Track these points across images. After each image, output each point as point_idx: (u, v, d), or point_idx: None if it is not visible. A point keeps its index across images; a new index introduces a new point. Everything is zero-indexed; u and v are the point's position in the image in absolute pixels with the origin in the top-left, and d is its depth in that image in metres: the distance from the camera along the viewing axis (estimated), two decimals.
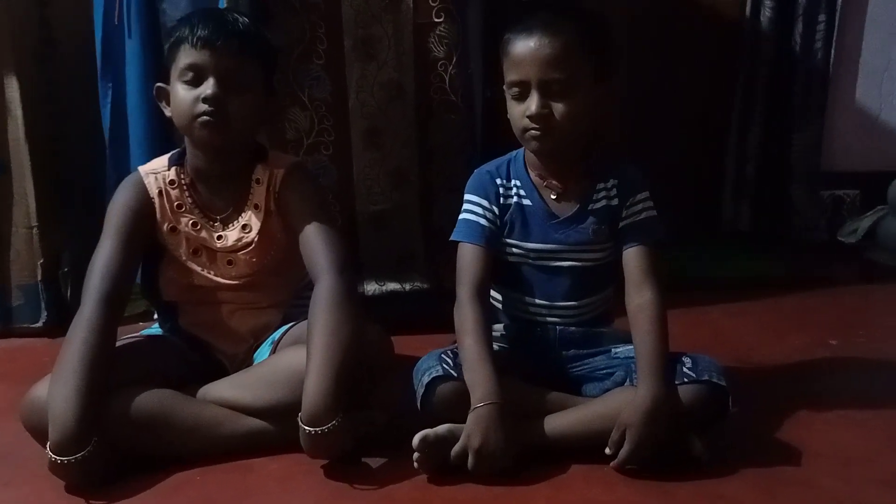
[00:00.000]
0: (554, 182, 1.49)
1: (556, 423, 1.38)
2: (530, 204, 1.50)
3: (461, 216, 1.52)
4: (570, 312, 1.52)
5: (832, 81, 2.80)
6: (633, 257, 1.47)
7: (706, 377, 1.34)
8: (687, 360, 1.38)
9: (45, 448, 1.28)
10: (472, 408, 1.32)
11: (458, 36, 2.01)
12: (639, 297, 1.43)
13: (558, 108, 1.39)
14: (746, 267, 2.55)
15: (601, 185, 1.50)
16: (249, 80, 1.46)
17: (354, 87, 2.02)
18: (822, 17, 2.67)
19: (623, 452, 1.31)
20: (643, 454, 1.31)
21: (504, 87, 1.45)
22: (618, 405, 1.36)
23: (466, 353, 1.38)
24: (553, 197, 1.50)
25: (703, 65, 2.75)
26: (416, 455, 1.32)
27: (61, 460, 1.26)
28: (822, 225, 2.82)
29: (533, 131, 1.40)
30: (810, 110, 2.73)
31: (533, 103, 1.39)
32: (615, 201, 1.49)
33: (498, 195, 1.51)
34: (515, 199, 1.50)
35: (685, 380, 1.35)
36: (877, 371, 1.82)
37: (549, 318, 1.53)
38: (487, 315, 1.46)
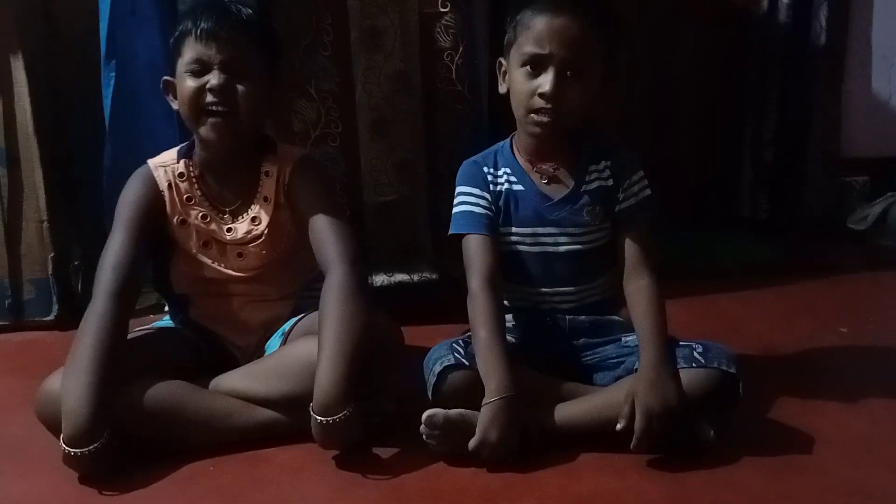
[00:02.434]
0: (544, 166, 1.50)
1: (566, 411, 1.39)
2: (522, 188, 1.50)
3: (456, 209, 1.52)
4: (571, 297, 1.52)
5: (844, 67, 2.78)
6: (630, 240, 1.48)
7: (716, 364, 1.34)
8: (698, 347, 1.38)
9: (59, 440, 1.28)
10: (487, 400, 1.32)
11: (464, 25, 2.01)
12: (636, 280, 1.45)
13: (571, 89, 1.39)
14: (755, 254, 2.54)
15: (593, 167, 1.50)
16: (254, 70, 1.47)
17: (361, 78, 2.02)
18: (832, 3, 2.65)
19: (638, 424, 1.30)
20: (655, 425, 1.29)
21: (505, 61, 1.45)
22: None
23: (480, 344, 1.38)
24: (544, 181, 1.50)
25: (717, 52, 2.72)
26: (422, 428, 1.33)
27: (75, 452, 1.27)
28: (833, 211, 2.80)
29: (540, 111, 1.40)
30: (826, 95, 2.71)
31: (549, 81, 1.38)
32: (610, 182, 1.49)
33: (487, 182, 1.51)
34: (506, 185, 1.50)
35: (694, 365, 1.34)
36: (886, 358, 1.81)
37: (553, 305, 1.53)
38: (500, 304, 1.46)
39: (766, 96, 2.70)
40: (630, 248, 1.48)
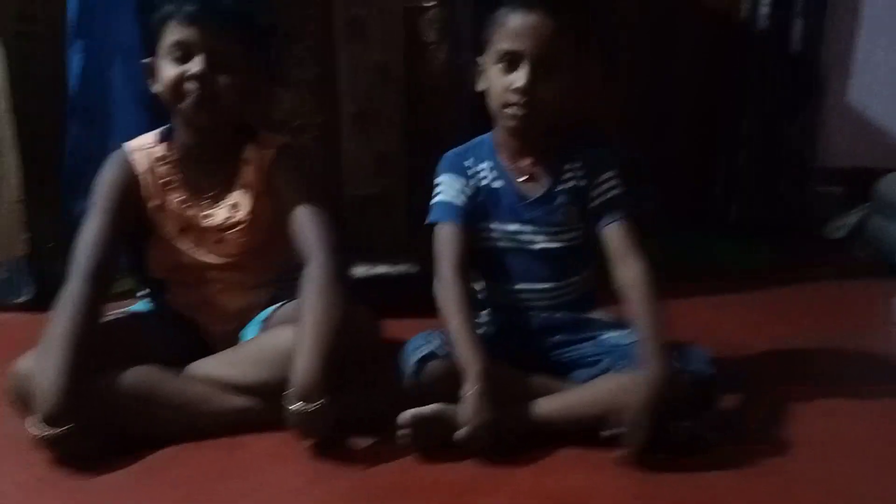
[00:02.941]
0: (521, 164, 1.51)
1: (542, 407, 1.39)
2: (501, 185, 1.51)
3: (434, 199, 1.53)
4: (547, 295, 1.53)
5: (820, 78, 2.81)
6: (611, 234, 1.48)
7: (693, 367, 1.36)
8: (674, 350, 1.38)
9: (31, 421, 1.27)
10: (468, 389, 1.32)
11: (448, 20, 2.00)
12: (626, 271, 1.44)
13: (544, 85, 1.40)
14: (732, 258, 2.56)
15: (568, 166, 1.51)
16: (238, 58, 1.45)
17: (343, 69, 2.01)
18: (813, 13, 2.67)
19: (629, 438, 1.30)
20: (643, 436, 1.30)
21: (484, 59, 1.46)
22: (604, 391, 1.37)
23: (454, 334, 1.39)
24: (522, 179, 1.51)
25: (699, 58, 2.74)
26: (401, 432, 1.32)
27: (47, 434, 1.25)
28: (809, 220, 2.83)
29: (514, 106, 1.41)
30: (803, 105, 2.74)
31: (522, 77, 1.39)
32: (583, 182, 1.50)
33: (467, 175, 1.52)
34: (486, 181, 1.51)
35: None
36: (859, 362, 1.84)
37: (529, 303, 1.53)
38: (470, 292, 1.47)
39: (743, 103, 2.72)
40: (613, 242, 1.47)
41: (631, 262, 1.44)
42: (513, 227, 1.51)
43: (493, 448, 1.33)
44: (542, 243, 1.50)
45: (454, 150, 1.57)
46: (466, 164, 1.53)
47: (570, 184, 1.50)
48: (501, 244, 1.52)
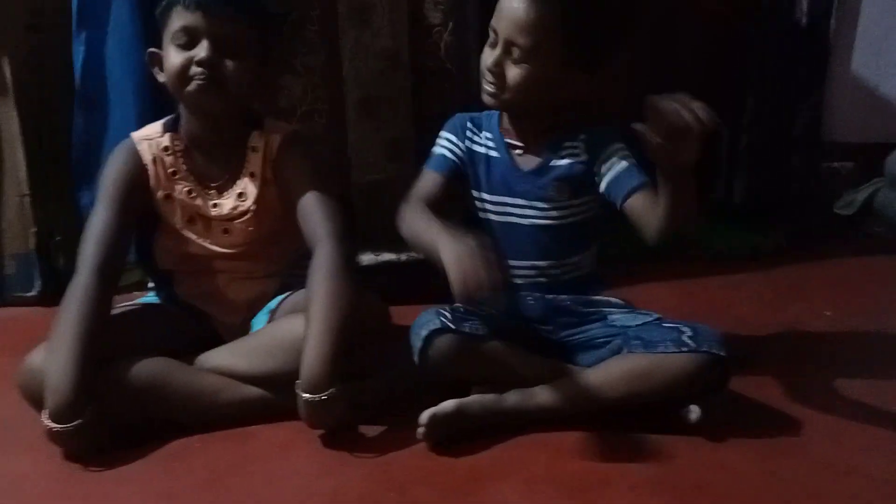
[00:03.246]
0: (516, 141, 1.51)
1: (553, 390, 1.38)
2: (497, 156, 1.52)
3: (433, 151, 1.56)
4: (542, 273, 1.51)
5: (830, 52, 2.77)
6: (637, 202, 1.39)
7: (706, 348, 1.34)
8: (687, 330, 1.37)
9: (42, 416, 1.27)
10: (445, 243, 1.24)
11: (453, 2, 1.99)
12: None
13: (511, 70, 1.39)
14: (743, 238, 2.54)
15: (568, 143, 1.49)
16: (244, 44, 1.44)
17: (349, 54, 2.00)
18: None
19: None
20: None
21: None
22: (618, 373, 1.36)
23: (419, 223, 1.38)
24: (517, 153, 1.51)
25: (706, 33, 2.70)
26: (421, 430, 1.32)
27: (58, 428, 1.25)
28: (818, 196, 2.81)
29: (487, 81, 1.43)
30: (811, 80, 2.70)
31: (492, 56, 1.41)
32: (582, 157, 1.47)
33: (465, 137, 1.54)
34: (483, 150, 1.53)
35: (684, 349, 1.34)
36: (870, 341, 1.83)
37: (526, 280, 1.52)
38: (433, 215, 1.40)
39: (749, 80, 2.69)
40: (638, 209, 1.38)
41: None
42: (504, 199, 1.50)
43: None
44: (532, 219, 1.49)
45: (463, 113, 1.59)
46: (469, 125, 1.55)
47: (566, 160, 1.48)
48: (493, 216, 1.52)
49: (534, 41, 1.36)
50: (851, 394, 1.53)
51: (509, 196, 1.50)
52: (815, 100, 2.74)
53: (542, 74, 1.39)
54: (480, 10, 2.08)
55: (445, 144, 1.55)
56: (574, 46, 1.38)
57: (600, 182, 1.46)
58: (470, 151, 1.53)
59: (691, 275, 2.21)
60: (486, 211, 1.52)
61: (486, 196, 1.52)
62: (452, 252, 1.21)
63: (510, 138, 1.52)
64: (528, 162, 1.50)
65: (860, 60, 2.84)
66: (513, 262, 1.52)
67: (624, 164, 1.43)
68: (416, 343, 1.40)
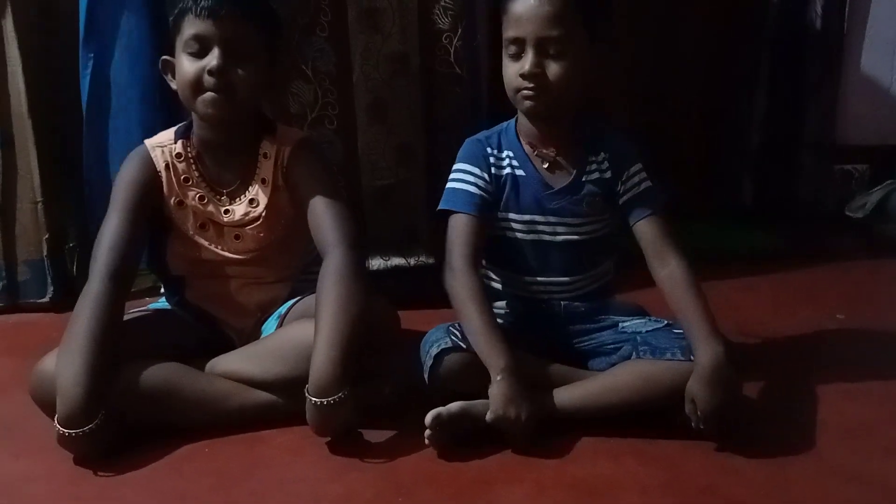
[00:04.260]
0: (545, 151, 1.48)
1: (563, 396, 1.38)
2: (524, 174, 1.49)
3: (450, 185, 1.51)
4: (567, 288, 1.52)
5: (842, 53, 2.76)
6: (645, 229, 1.46)
7: None
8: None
9: (54, 421, 1.28)
10: (496, 378, 1.31)
11: (463, 7, 1.99)
12: (664, 268, 1.43)
13: (552, 67, 1.38)
14: (754, 241, 2.53)
15: (592, 158, 1.49)
16: (254, 49, 1.45)
17: (359, 59, 2.00)
18: None
19: (704, 425, 1.30)
20: (716, 420, 1.29)
21: (503, 47, 1.45)
22: (627, 378, 1.36)
23: (473, 323, 1.37)
24: (545, 166, 1.49)
25: (713, 33, 2.70)
26: (427, 433, 1.31)
27: (69, 433, 1.26)
28: (830, 199, 2.79)
29: (526, 91, 1.40)
30: (822, 81, 2.69)
31: (527, 62, 1.38)
32: (608, 174, 1.48)
33: (489, 165, 1.49)
34: (508, 170, 1.49)
35: (692, 357, 1.33)
36: (883, 344, 1.82)
37: (548, 295, 1.52)
38: (483, 284, 1.45)
39: (760, 81, 2.68)
40: (648, 236, 1.45)
41: (669, 258, 1.43)
42: (535, 217, 1.49)
43: (530, 435, 1.32)
44: (563, 235, 1.49)
45: (475, 136, 1.54)
46: (489, 151, 1.50)
47: (595, 175, 1.48)
48: (521, 235, 1.50)
49: (565, 28, 1.37)
50: (864, 398, 1.52)
51: (540, 214, 1.48)
52: (828, 101, 2.72)
53: (581, 59, 1.39)
54: (489, 14, 2.09)
55: (469, 179, 1.49)
56: (592, 16, 1.40)
57: (620, 198, 1.48)
58: (496, 178, 1.49)
59: (703, 278, 2.20)
60: (512, 230, 1.50)
61: (512, 216, 1.49)
62: (500, 400, 1.30)
63: (534, 148, 1.49)
64: (559, 179, 1.49)
65: (873, 62, 2.82)
66: (538, 279, 1.51)
67: (643, 186, 1.47)
68: (427, 361, 1.40)
